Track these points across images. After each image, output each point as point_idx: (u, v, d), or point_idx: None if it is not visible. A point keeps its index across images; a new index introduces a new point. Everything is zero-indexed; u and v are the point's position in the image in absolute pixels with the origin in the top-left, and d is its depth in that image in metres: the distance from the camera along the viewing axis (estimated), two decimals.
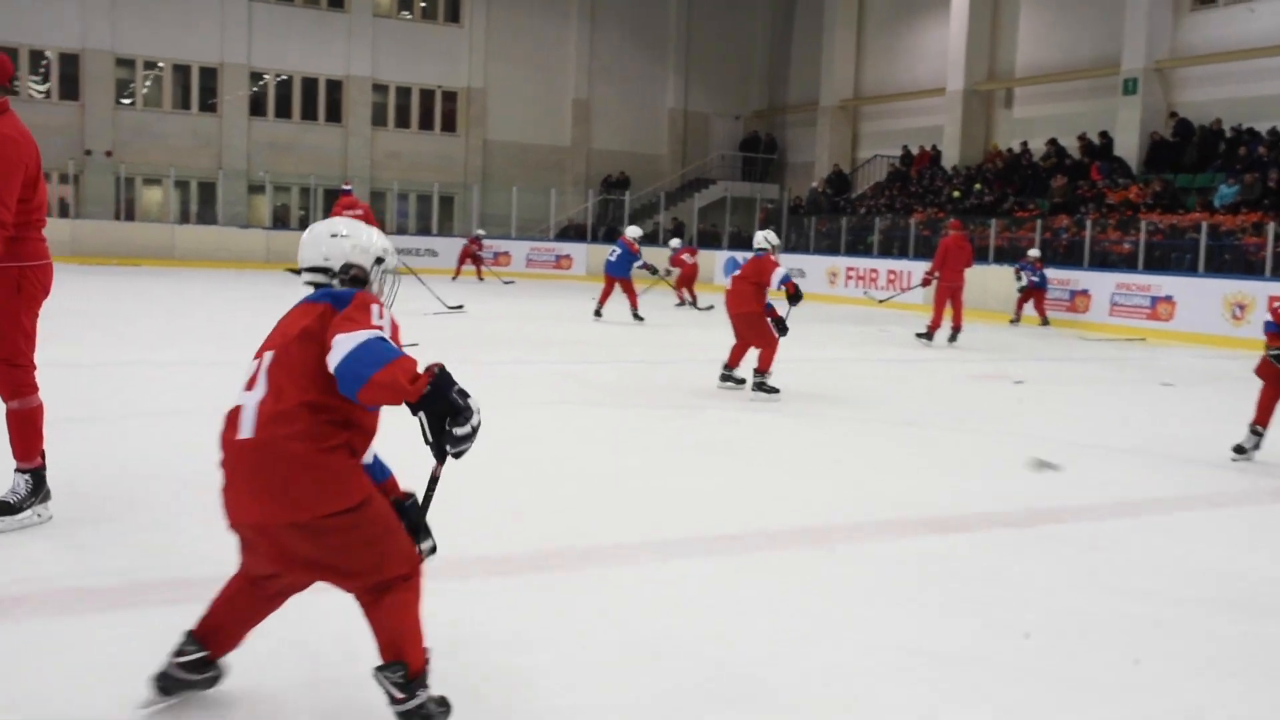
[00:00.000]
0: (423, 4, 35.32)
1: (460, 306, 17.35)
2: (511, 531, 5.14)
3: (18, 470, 4.79)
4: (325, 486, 2.80)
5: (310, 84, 33.86)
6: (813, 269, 27.07)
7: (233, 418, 2.91)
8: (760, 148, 38.19)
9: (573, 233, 34.34)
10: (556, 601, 4.21)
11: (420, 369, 2.78)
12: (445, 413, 2.75)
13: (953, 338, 15.80)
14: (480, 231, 28.71)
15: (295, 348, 2.88)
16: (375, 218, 16.85)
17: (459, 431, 2.76)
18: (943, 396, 10.83)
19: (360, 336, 2.76)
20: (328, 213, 26.48)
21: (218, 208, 31.74)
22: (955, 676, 3.65)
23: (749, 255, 10.29)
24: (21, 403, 4.76)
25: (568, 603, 4.20)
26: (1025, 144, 27.30)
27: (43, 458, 4.84)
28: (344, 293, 2.98)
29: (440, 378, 2.75)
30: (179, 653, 3.05)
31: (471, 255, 27.38)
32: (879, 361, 13.66)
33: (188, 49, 32.08)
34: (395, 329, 2.97)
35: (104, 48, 31.10)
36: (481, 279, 27.22)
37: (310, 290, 3.10)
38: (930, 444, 8.05)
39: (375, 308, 2.91)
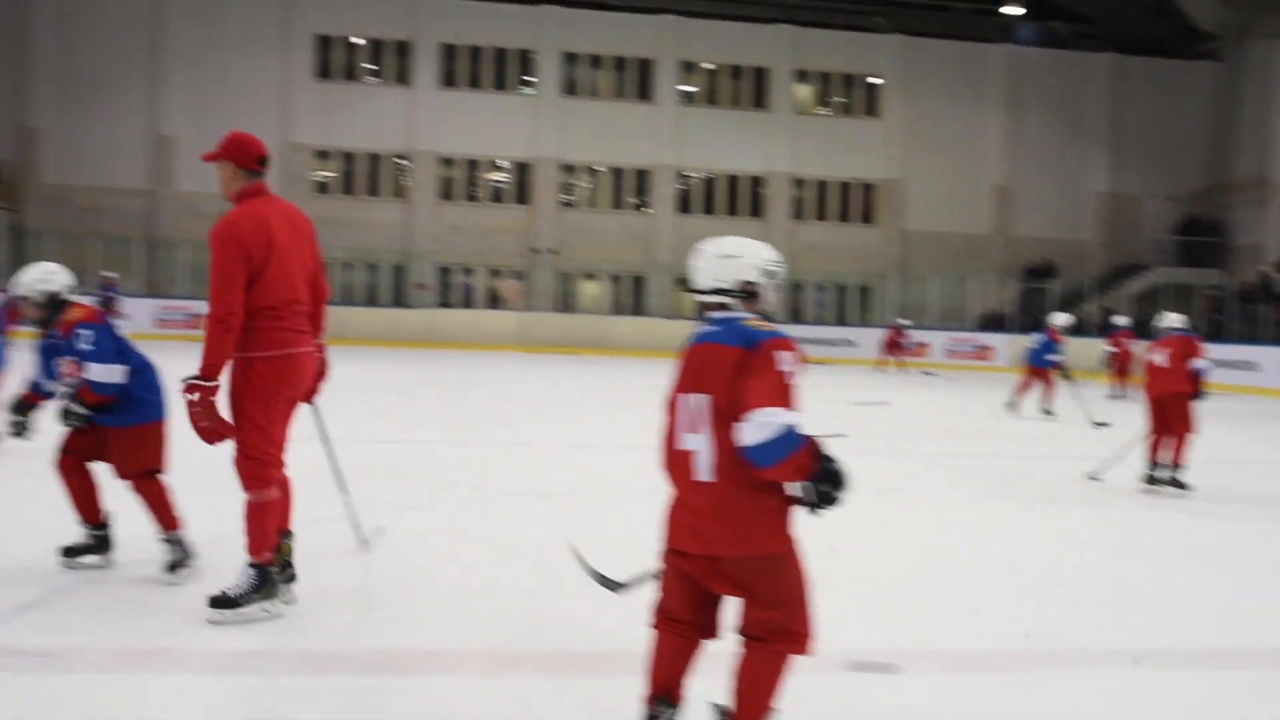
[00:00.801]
0: (842, 100, 36.07)
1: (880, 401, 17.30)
2: (969, 625, 5.08)
3: (247, 564, 4.60)
4: (773, 528, 3.14)
5: (733, 181, 35.40)
6: (1266, 361, 24.76)
7: (681, 458, 3.20)
8: (1199, 230, 35.58)
9: (994, 323, 33.46)
10: (1013, 702, 4.13)
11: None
12: (825, 481, 3.08)
13: None
14: (904, 321, 28.53)
15: (727, 399, 3.11)
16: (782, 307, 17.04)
17: (836, 495, 3.10)
18: None
19: (776, 424, 2.99)
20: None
21: (648, 300, 33.74)
22: None
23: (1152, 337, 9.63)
24: (254, 495, 4.55)
25: (1024, 705, 4.11)
26: None
27: (274, 553, 4.64)
28: (753, 335, 3.15)
29: (826, 458, 3.08)
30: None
31: (894, 344, 27.27)
32: None
33: (623, 153, 34.59)
34: (792, 347, 3.14)
35: (552, 155, 34.16)
36: (904, 369, 27.00)
37: (709, 310, 3.33)
38: None
39: (783, 355, 3.10)
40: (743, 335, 3.16)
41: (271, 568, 4.60)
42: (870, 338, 29.52)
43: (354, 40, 33.72)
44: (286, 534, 4.78)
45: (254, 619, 4.54)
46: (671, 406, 3.27)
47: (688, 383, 3.23)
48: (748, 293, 3.32)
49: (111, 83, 31.99)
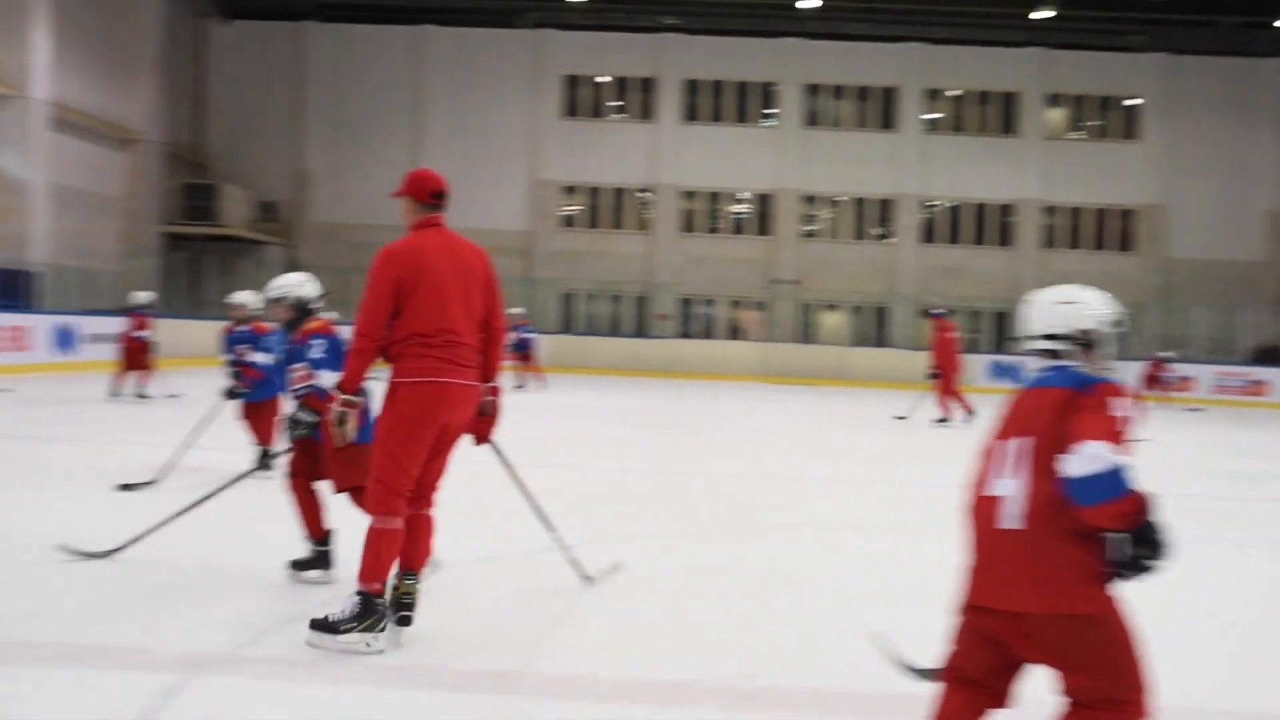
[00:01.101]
0: (1097, 123, 34.58)
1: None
2: (1247, 684, 4.71)
3: (354, 591, 4.51)
4: (1086, 586, 2.87)
5: (980, 209, 34.42)
6: None
7: (988, 504, 3.00)
8: None
9: (1268, 356, 31.16)
10: None
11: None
12: (1144, 545, 2.82)
13: None
14: (1166, 354, 26.92)
15: (1051, 440, 2.92)
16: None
17: (1149, 564, 2.82)
18: None
19: (1106, 460, 2.77)
20: (977, 337, 26.89)
21: (890, 331, 33.13)
22: None
23: None
24: (376, 521, 4.51)
25: None
26: None
27: (382, 586, 4.51)
28: (1086, 378, 2.99)
29: (1153, 522, 2.81)
30: None
31: (1154, 379, 25.76)
32: None
33: (865, 183, 34.23)
34: (1126, 394, 2.96)
35: (793, 187, 34.13)
36: (1166, 404, 25.45)
37: (1041, 359, 3.16)
38: None
39: (1118, 402, 2.91)
40: (1075, 378, 3.03)
41: (379, 599, 4.50)
42: (1128, 371, 27.99)
43: (599, 79, 34.72)
44: (411, 575, 4.70)
45: (353, 649, 4.41)
46: (987, 453, 3.11)
47: (1010, 428, 3.08)
48: (1086, 342, 3.17)
49: (376, 126, 34.04)
